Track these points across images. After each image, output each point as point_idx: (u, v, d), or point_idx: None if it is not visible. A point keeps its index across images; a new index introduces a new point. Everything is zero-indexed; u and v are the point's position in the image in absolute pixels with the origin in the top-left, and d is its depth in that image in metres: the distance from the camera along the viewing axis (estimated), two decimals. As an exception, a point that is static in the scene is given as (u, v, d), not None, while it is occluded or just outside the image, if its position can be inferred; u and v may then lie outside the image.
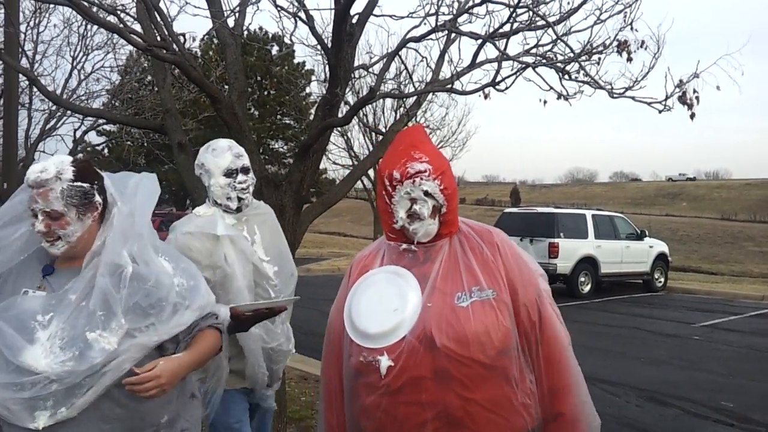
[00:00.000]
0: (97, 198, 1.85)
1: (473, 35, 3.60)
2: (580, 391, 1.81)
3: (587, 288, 14.38)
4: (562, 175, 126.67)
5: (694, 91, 3.31)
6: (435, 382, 1.62)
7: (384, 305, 1.72)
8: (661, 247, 16.45)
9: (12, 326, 1.69)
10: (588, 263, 14.40)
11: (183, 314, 1.85)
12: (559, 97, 4.11)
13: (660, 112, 3.47)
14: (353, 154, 26.30)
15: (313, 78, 22.88)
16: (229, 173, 2.55)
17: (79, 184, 1.81)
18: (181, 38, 4.07)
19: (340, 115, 4.25)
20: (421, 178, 1.73)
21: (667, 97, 3.40)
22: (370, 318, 1.73)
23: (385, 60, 4.01)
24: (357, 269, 1.89)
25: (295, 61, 28.24)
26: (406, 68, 4.97)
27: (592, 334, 9.91)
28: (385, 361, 1.65)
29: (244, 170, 2.59)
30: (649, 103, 3.48)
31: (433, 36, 3.96)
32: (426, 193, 1.73)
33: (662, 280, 16.22)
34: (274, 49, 29.81)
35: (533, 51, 3.92)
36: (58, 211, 1.77)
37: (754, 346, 9.24)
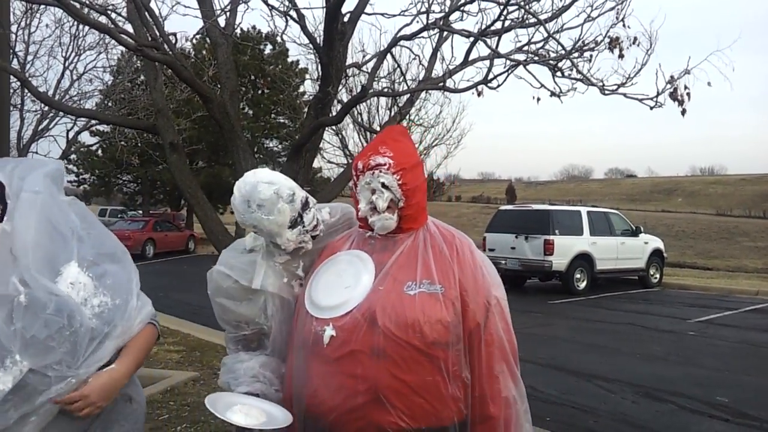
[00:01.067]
0: None
1: (465, 33, 3.59)
2: (515, 398, 1.85)
3: (583, 284, 14.40)
4: (557, 171, 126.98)
5: (686, 88, 3.31)
6: (371, 358, 1.71)
7: (339, 282, 1.86)
8: (657, 243, 16.48)
9: None
10: (583, 260, 14.41)
11: (103, 346, 1.66)
12: (552, 95, 4.11)
13: (651, 108, 3.47)
14: (348, 152, 26.21)
15: (307, 77, 22.82)
16: (294, 223, 2.03)
17: None
18: (172, 38, 4.05)
19: (333, 114, 4.24)
20: (380, 171, 1.84)
21: (658, 94, 3.39)
22: (325, 292, 1.86)
23: (376, 58, 4.00)
24: (327, 252, 2.03)
25: (289, 59, 28.19)
26: (399, 66, 4.97)
27: (588, 330, 9.93)
28: (329, 331, 1.76)
29: (305, 206, 2.06)
30: (640, 100, 3.48)
31: (425, 34, 3.96)
32: (384, 186, 1.84)
33: (658, 276, 16.26)
34: (268, 48, 29.76)
35: (525, 48, 3.92)
36: None
37: (750, 341, 9.26)
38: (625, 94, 3.47)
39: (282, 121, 31.66)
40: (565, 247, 14.06)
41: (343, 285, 1.83)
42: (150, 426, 4.66)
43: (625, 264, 15.47)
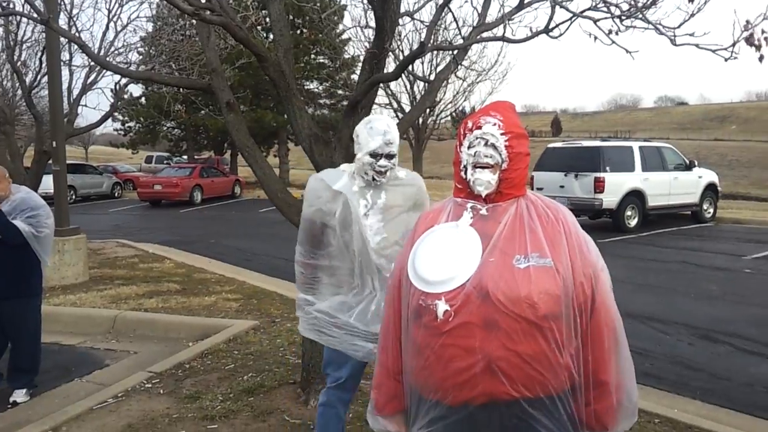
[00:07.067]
0: None
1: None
2: (625, 359, 1.90)
3: (634, 222, 14.18)
4: (605, 101, 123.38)
5: (763, 32, 3.12)
6: (483, 330, 1.74)
7: (445, 255, 1.86)
8: (711, 176, 16.00)
9: None
10: (635, 197, 14.13)
11: None
12: (609, 33, 3.94)
13: (726, 60, 3.28)
14: (390, 91, 25.98)
15: (347, 13, 22.47)
16: (374, 155, 2.75)
17: None
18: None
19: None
20: (489, 128, 1.89)
21: (734, 44, 3.19)
22: (432, 266, 1.86)
23: (435, 12, 3.89)
24: (423, 224, 2.02)
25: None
26: (450, 12, 4.81)
27: (640, 269, 9.84)
28: (442, 306, 1.78)
29: (389, 156, 2.77)
30: (714, 51, 3.30)
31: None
32: (490, 144, 1.89)
33: (711, 210, 15.86)
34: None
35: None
36: None
37: (810, 278, 9.05)
38: (697, 45, 3.29)
39: (322, 60, 31.38)
40: (616, 185, 13.79)
41: (450, 258, 1.85)
42: (218, 375, 4.88)
43: (678, 200, 15.10)
